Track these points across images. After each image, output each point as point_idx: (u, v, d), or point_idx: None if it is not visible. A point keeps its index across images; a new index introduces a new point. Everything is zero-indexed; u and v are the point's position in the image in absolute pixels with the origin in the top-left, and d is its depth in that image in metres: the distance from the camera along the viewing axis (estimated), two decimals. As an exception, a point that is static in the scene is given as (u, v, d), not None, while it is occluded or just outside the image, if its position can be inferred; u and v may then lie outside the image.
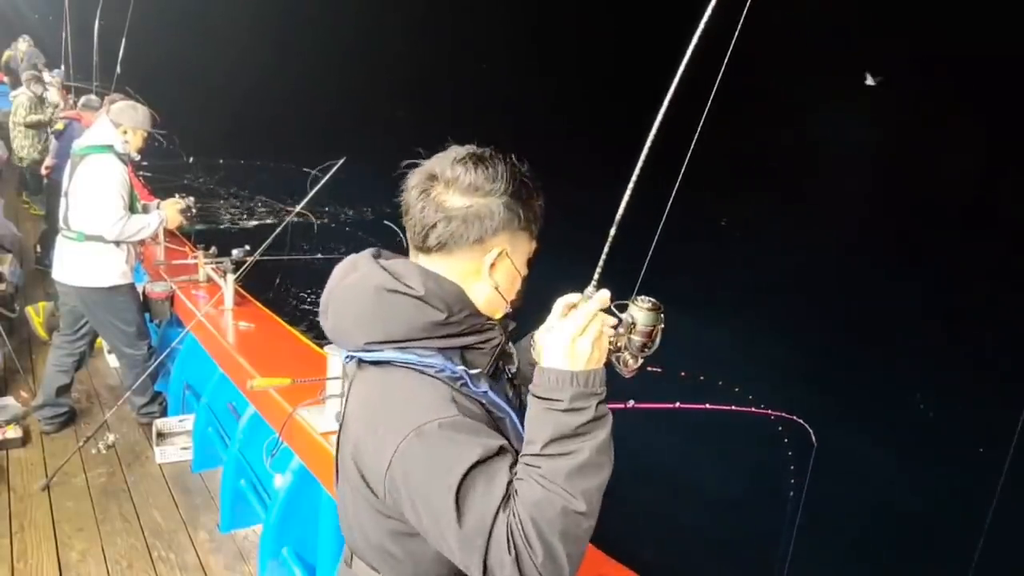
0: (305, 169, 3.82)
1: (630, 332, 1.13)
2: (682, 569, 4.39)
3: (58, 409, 4.12)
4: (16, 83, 12.26)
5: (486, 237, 1.15)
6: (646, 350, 1.14)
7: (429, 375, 1.11)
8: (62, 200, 3.94)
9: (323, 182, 3.72)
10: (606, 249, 1.15)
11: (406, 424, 1.05)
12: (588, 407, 1.03)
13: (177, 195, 4.48)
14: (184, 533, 3.33)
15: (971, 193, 12.59)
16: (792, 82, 15.08)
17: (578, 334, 1.06)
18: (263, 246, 3.84)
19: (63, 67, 9.42)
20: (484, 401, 1.14)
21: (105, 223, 3.77)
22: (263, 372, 2.99)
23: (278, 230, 3.89)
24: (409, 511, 1.07)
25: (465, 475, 1.00)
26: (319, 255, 4.65)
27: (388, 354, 1.13)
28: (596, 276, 1.13)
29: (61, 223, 3.93)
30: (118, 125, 3.89)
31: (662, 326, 1.13)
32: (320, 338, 3.42)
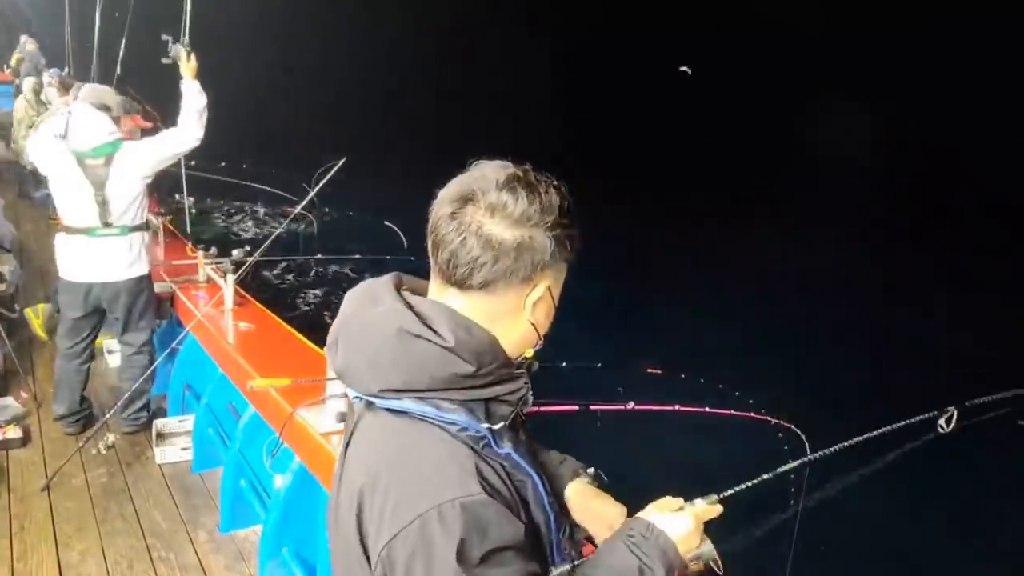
0: (317, 170, 3.83)
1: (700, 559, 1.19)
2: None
3: (135, 405, 4.11)
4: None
5: (535, 274, 1.03)
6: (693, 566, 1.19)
7: (450, 433, 1.01)
8: (94, 206, 3.73)
9: (323, 182, 3.73)
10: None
11: (424, 497, 0.94)
12: None
13: (177, 195, 4.51)
14: (184, 533, 3.33)
15: (975, 199, 12.57)
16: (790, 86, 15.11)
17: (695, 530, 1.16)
18: (263, 246, 3.86)
19: (67, 68, 9.41)
20: (506, 464, 1.06)
21: (181, 144, 3.78)
22: (263, 372, 3.00)
23: (278, 231, 3.91)
24: None
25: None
26: (319, 255, 4.67)
27: (406, 404, 1.02)
28: (720, 496, 1.24)
29: (99, 220, 3.75)
30: (107, 108, 3.80)
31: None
32: (320, 338, 3.43)
